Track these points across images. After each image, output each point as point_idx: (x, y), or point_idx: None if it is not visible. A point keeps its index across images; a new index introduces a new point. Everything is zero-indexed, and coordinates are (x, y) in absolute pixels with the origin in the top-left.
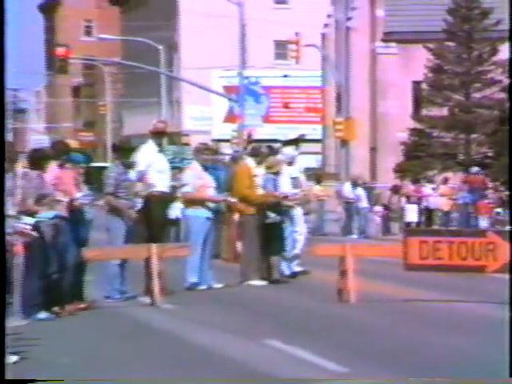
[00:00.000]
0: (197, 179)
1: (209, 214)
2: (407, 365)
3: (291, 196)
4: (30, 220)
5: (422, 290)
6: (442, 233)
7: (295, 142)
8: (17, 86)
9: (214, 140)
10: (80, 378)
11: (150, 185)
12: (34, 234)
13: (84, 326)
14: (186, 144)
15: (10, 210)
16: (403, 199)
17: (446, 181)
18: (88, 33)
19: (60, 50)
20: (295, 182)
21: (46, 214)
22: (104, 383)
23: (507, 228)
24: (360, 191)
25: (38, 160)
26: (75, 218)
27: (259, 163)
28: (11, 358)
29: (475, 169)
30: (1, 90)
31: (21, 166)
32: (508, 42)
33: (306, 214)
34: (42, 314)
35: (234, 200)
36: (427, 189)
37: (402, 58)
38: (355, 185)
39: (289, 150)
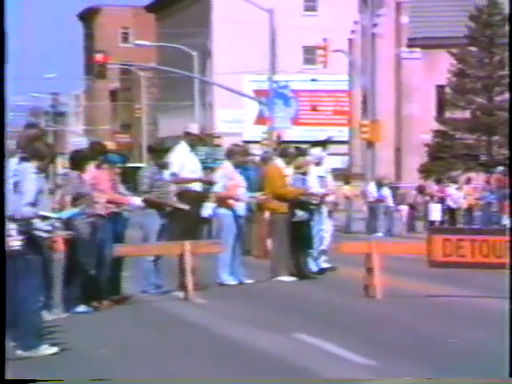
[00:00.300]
0: (228, 179)
1: (241, 212)
2: (431, 358)
3: (319, 194)
4: (65, 214)
5: (445, 286)
6: (464, 231)
7: (323, 144)
8: (57, 90)
9: (244, 141)
10: (83, 378)
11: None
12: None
13: (120, 319)
14: (218, 145)
15: (49, 208)
16: (427, 199)
17: (469, 181)
18: (125, 39)
19: (98, 56)
20: (322, 181)
21: (66, 213)
22: (105, 383)
23: None
24: (385, 191)
25: (77, 161)
26: (112, 216)
27: (288, 163)
28: (51, 349)
29: (500, 168)
30: (1, 90)
31: (61, 167)
32: (508, 41)
33: (331, 211)
34: (81, 308)
35: (265, 198)
36: (451, 189)
37: (426, 63)
38: (380, 185)
39: (316, 151)
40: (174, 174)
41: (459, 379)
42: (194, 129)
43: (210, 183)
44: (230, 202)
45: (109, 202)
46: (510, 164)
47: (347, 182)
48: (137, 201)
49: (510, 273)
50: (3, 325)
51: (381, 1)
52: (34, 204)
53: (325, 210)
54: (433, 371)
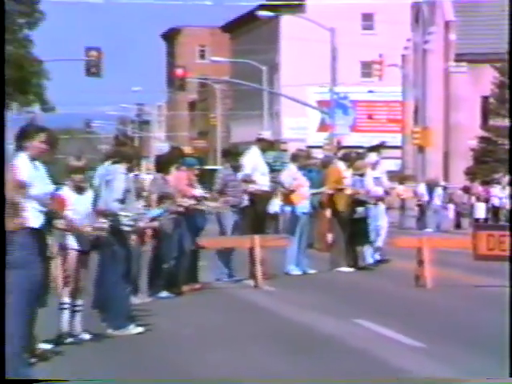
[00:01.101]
0: (293, 180)
1: (304, 210)
2: (476, 341)
3: (374, 194)
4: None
5: (488, 278)
6: (506, 228)
7: (378, 149)
8: (142, 101)
9: (308, 147)
10: (86, 378)
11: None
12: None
13: (197, 304)
14: (285, 150)
15: (136, 206)
16: (473, 198)
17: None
18: (202, 56)
19: (179, 71)
20: (378, 182)
21: (153, 212)
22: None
23: None
24: (437, 191)
25: (161, 164)
26: (192, 213)
27: (348, 166)
28: (137, 329)
29: None
30: (1, 91)
31: (145, 169)
32: (508, 40)
33: (387, 209)
34: (164, 293)
35: (326, 195)
36: (495, 189)
37: (472, 76)
38: (430, 186)
39: (373, 155)
40: (246, 175)
41: (458, 379)
42: (267, 135)
43: (273, 190)
44: (295, 200)
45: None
46: (510, 164)
47: (401, 183)
48: (209, 203)
49: (510, 272)
50: (3, 325)
51: (431, 20)
52: (121, 201)
53: (382, 207)
54: (476, 353)
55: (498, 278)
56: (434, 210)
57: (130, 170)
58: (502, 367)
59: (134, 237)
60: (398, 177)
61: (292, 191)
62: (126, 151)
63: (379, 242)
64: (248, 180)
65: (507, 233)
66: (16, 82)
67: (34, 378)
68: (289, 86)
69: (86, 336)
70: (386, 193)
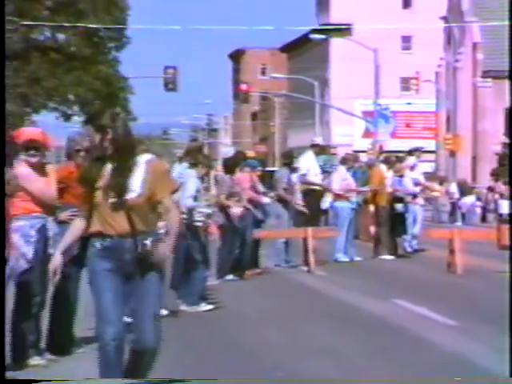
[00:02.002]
0: (342, 180)
1: (352, 206)
2: (499, 319)
3: (412, 192)
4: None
5: (507, 264)
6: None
7: (416, 153)
8: (212, 112)
9: (354, 151)
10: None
11: (309, 183)
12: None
13: (258, 286)
14: (334, 154)
15: (204, 203)
16: (497, 196)
17: None
18: (263, 73)
19: (243, 86)
20: (415, 182)
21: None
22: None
23: None
24: (471, 195)
25: (228, 167)
26: (254, 208)
27: (389, 168)
28: (208, 306)
29: None
30: (1, 91)
31: (214, 171)
32: (508, 41)
33: (423, 205)
34: (230, 277)
35: (370, 193)
36: None
37: (496, 90)
38: (460, 185)
39: (411, 159)
40: (302, 176)
41: (458, 379)
42: (319, 141)
43: (325, 189)
44: (344, 197)
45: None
46: (510, 164)
47: (440, 183)
48: (265, 199)
49: (510, 271)
50: (3, 325)
51: (461, 42)
52: (194, 198)
53: (418, 203)
54: (499, 330)
55: None
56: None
57: (201, 174)
58: None
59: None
60: (437, 178)
61: (341, 190)
62: (198, 157)
63: (416, 233)
64: (303, 180)
65: None
66: (106, 96)
67: (33, 378)
68: (338, 98)
69: (164, 312)
70: (423, 191)
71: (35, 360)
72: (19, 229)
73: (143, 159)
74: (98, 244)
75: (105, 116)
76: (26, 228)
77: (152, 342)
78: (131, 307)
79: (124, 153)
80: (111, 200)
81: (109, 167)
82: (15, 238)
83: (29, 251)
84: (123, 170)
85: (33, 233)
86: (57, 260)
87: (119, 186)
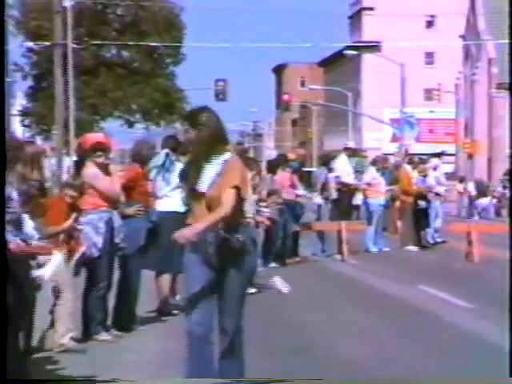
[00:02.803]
0: (373, 179)
1: (380, 202)
2: None
3: (435, 190)
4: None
5: None
6: None
7: (438, 155)
8: (257, 119)
9: (383, 154)
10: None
11: (343, 182)
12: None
13: (298, 272)
14: (365, 156)
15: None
16: (509, 193)
17: None
18: (302, 85)
19: (285, 97)
20: (438, 181)
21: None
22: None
23: None
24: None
25: (270, 167)
26: (293, 204)
27: (413, 169)
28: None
29: None
30: (1, 91)
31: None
32: (508, 42)
33: (443, 202)
34: (273, 264)
35: (397, 191)
36: None
37: (509, 101)
38: (477, 184)
39: (435, 160)
40: (337, 176)
41: (459, 379)
42: (351, 145)
43: (357, 187)
44: (374, 194)
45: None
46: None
47: (460, 182)
48: (303, 196)
49: (510, 267)
50: (4, 325)
51: (478, 57)
52: None
53: (439, 200)
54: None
55: None
56: (479, 207)
57: (256, 174)
58: None
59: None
60: (457, 177)
61: (372, 188)
62: (247, 160)
63: (437, 227)
64: (338, 179)
65: None
66: (164, 106)
67: (34, 378)
68: (368, 107)
69: None
70: (446, 190)
71: (103, 336)
72: (90, 221)
73: (224, 157)
74: None
75: (201, 115)
76: (96, 221)
77: (231, 331)
78: (217, 295)
79: (209, 149)
80: (192, 193)
81: (191, 161)
82: (87, 230)
83: (98, 241)
84: (204, 165)
85: (101, 225)
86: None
87: (194, 180)
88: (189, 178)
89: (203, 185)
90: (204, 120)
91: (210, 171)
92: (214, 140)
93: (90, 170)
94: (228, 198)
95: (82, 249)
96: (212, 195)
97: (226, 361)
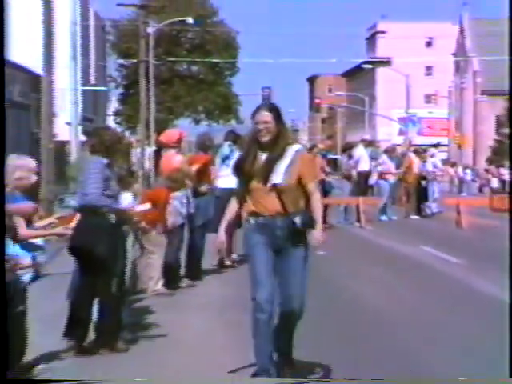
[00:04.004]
0: (384, 164)
1: (391, 181)
2: (497, 258)
3: (432, 173)
4: None
5: (502, 222)
6: (506, 193)
7: (435, 146)
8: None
9: (393, 144)
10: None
11: (360, 167)
12: None
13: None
14: (378, 147)
15: None
16: (490, 175)
17: None
18: (330, 91)
19: (316, 100)
20: (435, 166)
21: None
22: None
23: None
24: (468, 172)
25: None
26: (323, 182)
27: (416, 156)
28: None
29: None
30: (1, 90)
31: None
32: (508, 41)
33: (439, 182)
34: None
35: (403, 173)
36: (504, 170)
37: (490, 105)
38: (464, 168)
39: (431, 150)
40: (355, 161)
41: (458, 379)
42: (367, 137)
43: (371, 170)
44: (386, 176)
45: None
46: (510, 155)
47: (452, 166)
48: (330, 177)
49: (510, 264)
50: (4, 325)
51: (465, 70)
52: None
53: (436, 180)
54: (499, 268)
55: (505, 222)
56: (466, 182)
57: None
58: None
59: None
60: (450, 163)
61: (383, 171)
62: None
63: (434, 200)
64: (356, 164)
65: (506, 196)
66: (223, 108)
67: (34, 378)
68: (381, 108)
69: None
70: (441, 173)
71: (182, 282)
72: (178, 197)
73: (294, 149)
74: (252, 220)
75: (278, 110)
76: (181, 197)
77: (298, 308)
78: (280, 276)
79: (281, 142)
80: (264, 184)
81: (264, 155)
82: (175, 203)
83: (183, 211)
84: (275, 158)
85: (184, 200)
86: (221, 236)
87: (268, 172)
88: (264, 172)
89: (278, 175)
90: (281, 114)
91: (285, 162)
92: (288, 131)
93: (178, 158)
94: (316, 189)
95: (171, 218)
96: (286, 185)
97: (285, 335)
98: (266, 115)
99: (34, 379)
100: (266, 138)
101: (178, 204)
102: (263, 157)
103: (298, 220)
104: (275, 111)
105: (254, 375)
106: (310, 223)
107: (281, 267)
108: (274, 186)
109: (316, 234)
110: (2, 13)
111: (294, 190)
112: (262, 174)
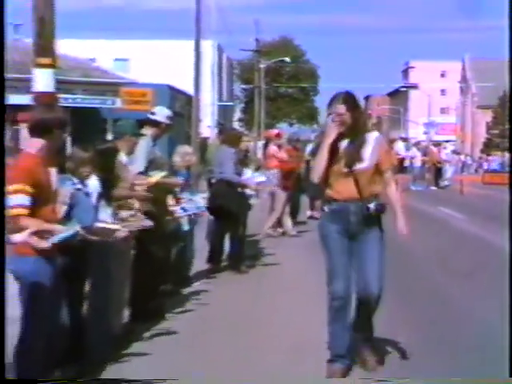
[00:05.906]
0: (414, 154)
1: (418, 164)
2: (492, 214)
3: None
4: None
5: (493, 191)
6: (496, 172)
7: (447, 142)
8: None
9: (419, 140)
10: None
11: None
12: None
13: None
14: (409, 142)
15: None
16: (482, 160)
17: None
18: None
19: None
20: (447, 155)
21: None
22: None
23: None
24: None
25: None
26: None
27: (435, 148)
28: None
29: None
30: (1, 89)
31: None
32: (508, 41)
33: (450, 165)
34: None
35: (426, 160)
36: (494, 158)
37: (483, 115)
38: (466, 156)
39: (445, 144)
40: (396, 152)
41: (458, 379)
42: (403, 136)
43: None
44: (414, 161)
45: None
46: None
47: (457, 154)
48: None
49: (510, 262)
50: (3, 326)
51: (466, 92)
52: None
53: (448, 164)
54: (496, 223)
55: (495, 191)
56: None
57: None
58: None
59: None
60: (456, 153)
61: (413, 158)
62: None
63: (447, 178)
64: (395, 154)
65: (494, 174)
66: (308, 116)
67: (34, 378)
68: (412, 117)
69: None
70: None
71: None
72: (266, 175)
73: (373, 136)
74: (326, 208)
75: (354, 98)
76: (271, 175)
77: (376, 291)
78: (357, 261)
79: (360, 129)
80: (343, 169)
81: (345, 141)
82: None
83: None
84: (358, 144)
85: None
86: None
87: (352, 157)
88: (345, 157)
89: (363, 160)
90: (357, 101)
91: (368, 148)
92: (365, 118)
93: (273, 148)
94: (391, 175)
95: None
96: (369, 169)
97: (364, 319)
98: (341, 108)
99: (34, 379)
100: (341, 129)
101: (266, 180)
102: (344, 143)
103: (372, 206)
104: (351, 101)
105: (330, 361)
106: (382, 209)
107: (357, 253)
108: (358, 170)
109: (400, 225)
110: (2, 13)
111: (371, 175)
112: (346, 159)
